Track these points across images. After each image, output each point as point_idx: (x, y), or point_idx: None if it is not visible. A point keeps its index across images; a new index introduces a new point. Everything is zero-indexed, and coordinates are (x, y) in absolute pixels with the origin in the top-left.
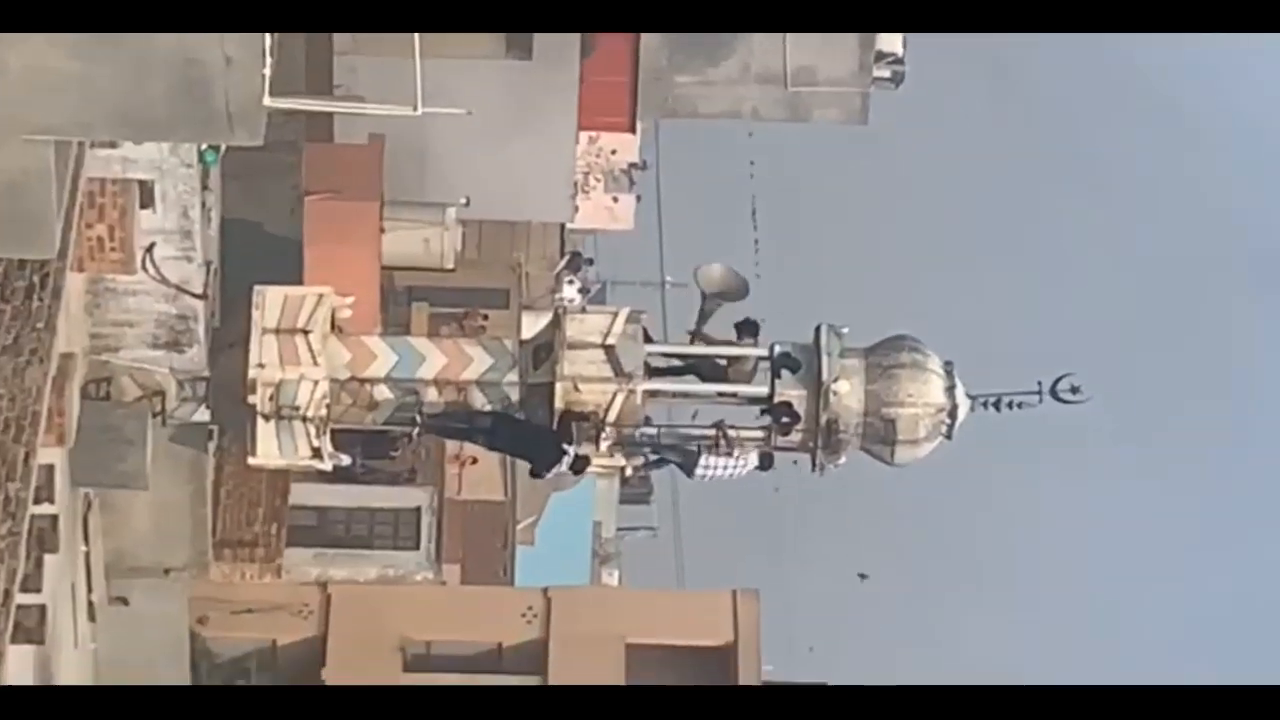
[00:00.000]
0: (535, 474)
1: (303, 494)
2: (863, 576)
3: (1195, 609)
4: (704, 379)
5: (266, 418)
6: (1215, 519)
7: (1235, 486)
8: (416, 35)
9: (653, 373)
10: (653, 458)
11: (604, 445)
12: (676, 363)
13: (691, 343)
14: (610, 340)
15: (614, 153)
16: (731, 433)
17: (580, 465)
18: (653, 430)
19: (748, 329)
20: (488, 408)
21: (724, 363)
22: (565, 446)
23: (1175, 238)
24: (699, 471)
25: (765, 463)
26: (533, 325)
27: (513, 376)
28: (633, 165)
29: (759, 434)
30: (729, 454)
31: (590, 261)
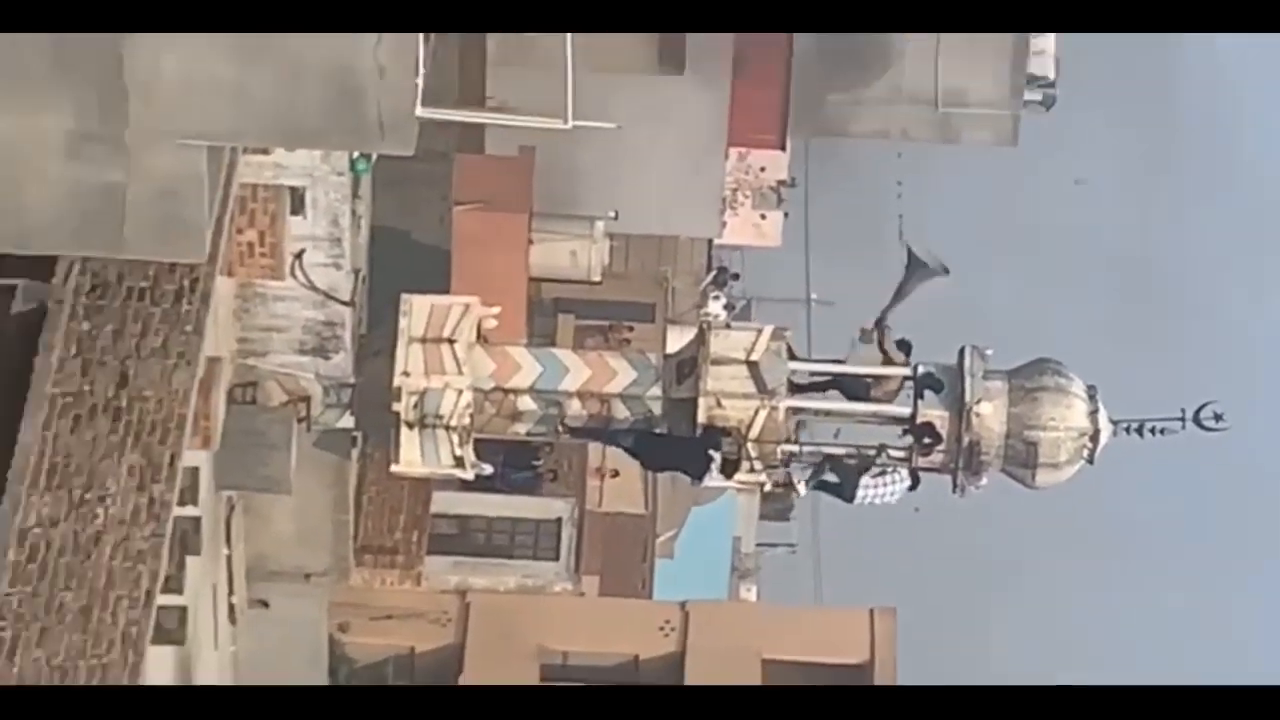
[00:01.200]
0: (694, 480)
1: (444, 502)
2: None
3: None
4: (849, 397)
5: (410, 425)
6: None
7: None
8: (569, 48)
9: (796, 390)
10: (810, 481)
11: (748, 463)
12: (819, 379)
13: (876, 328)
14: (754, 357)
15: (763, 170)
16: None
17: (730, 469)
18: (799, 448)
19: (904, 347)
20: (630, 422)
21: (869, 381)
22: (712, 452)
23: None
24: (859, 495)
25: (915, 481)
26: (677, 340)
27: (656, 391)
28: (781, 183)
29: (902, 454)
30: (888, 476)
31: (736, 277)
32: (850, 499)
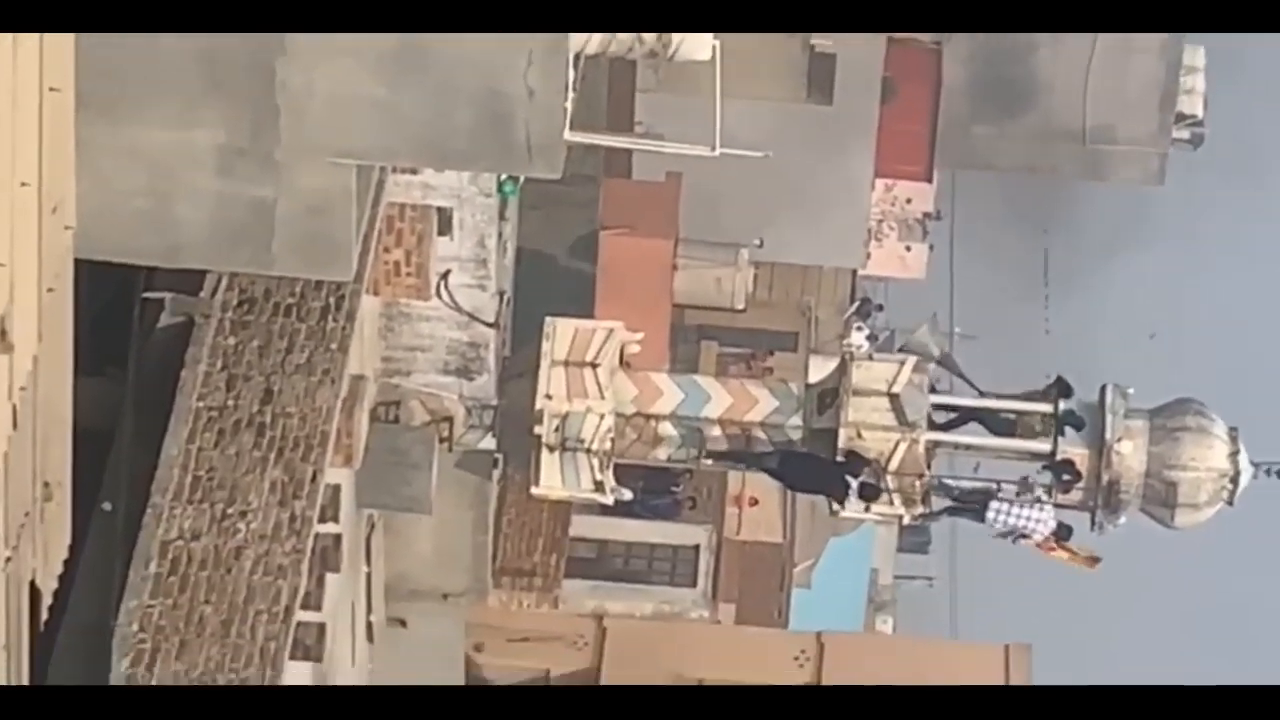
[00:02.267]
0: (833, 501)
1: (583, 526)
2: None
3: None
4: (991, 432)
5: (551, 449)
6: None
7: None
8: (718, 75)
9: (936, 425)
10: (948, 504)
11: (887, 495)
12: (960, 414)
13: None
14: (896, 389)
15: (909, 201)
16: (1028, 493)
17: (870, 493)
18: (937, 481)
19: (1060, 388)
20: (771, 448)
21: (1012, 417)
22: (850, 478)
23: None
24: (989, 514)
25: (1065, 533)
26: (819, 370)
27: (796, 420)
28: (927, 215)
29: (1043, 490)
30: (1029, 504)
31: (880, 308)
32: (981, 519)
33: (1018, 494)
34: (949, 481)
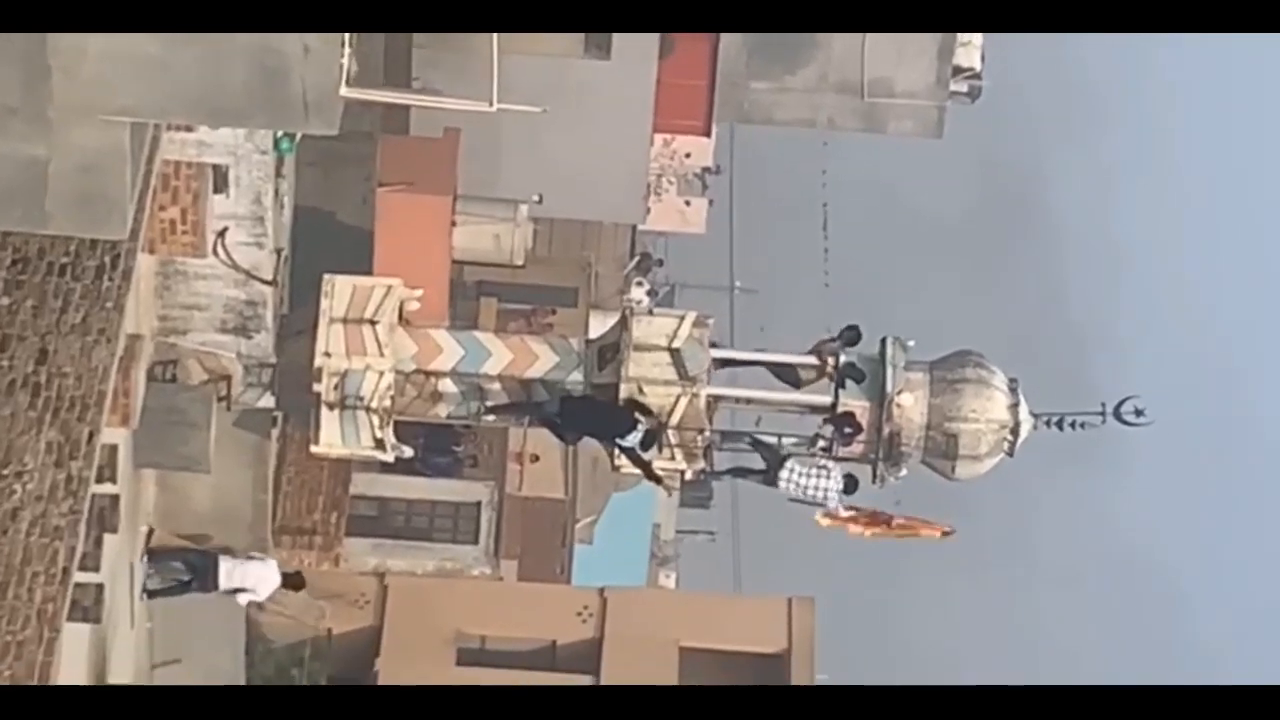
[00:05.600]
0: (616, 441)
1: (364, 484)
2: None
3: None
4: (783, 383)
5: (331, 407)
6: None
7: None
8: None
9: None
10: (734, 466)
11: (669, 450)
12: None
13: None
14: (676, 344)
15: (688, 156)
16: (815, 455)
17: (650, 440)
18: (718, 436)
19: (850, 335)
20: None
21: (800, 371)
22: (638, 418)
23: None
24: (782, 482)
25: (850, 486)
26: (600, 325)
27: (577, 376)
28: (706, 169)
29: (824, 444)
30: (817, 471)
31: (660, 263)
32: (773, 483)
33: (808, 450)
34: (739, 441)
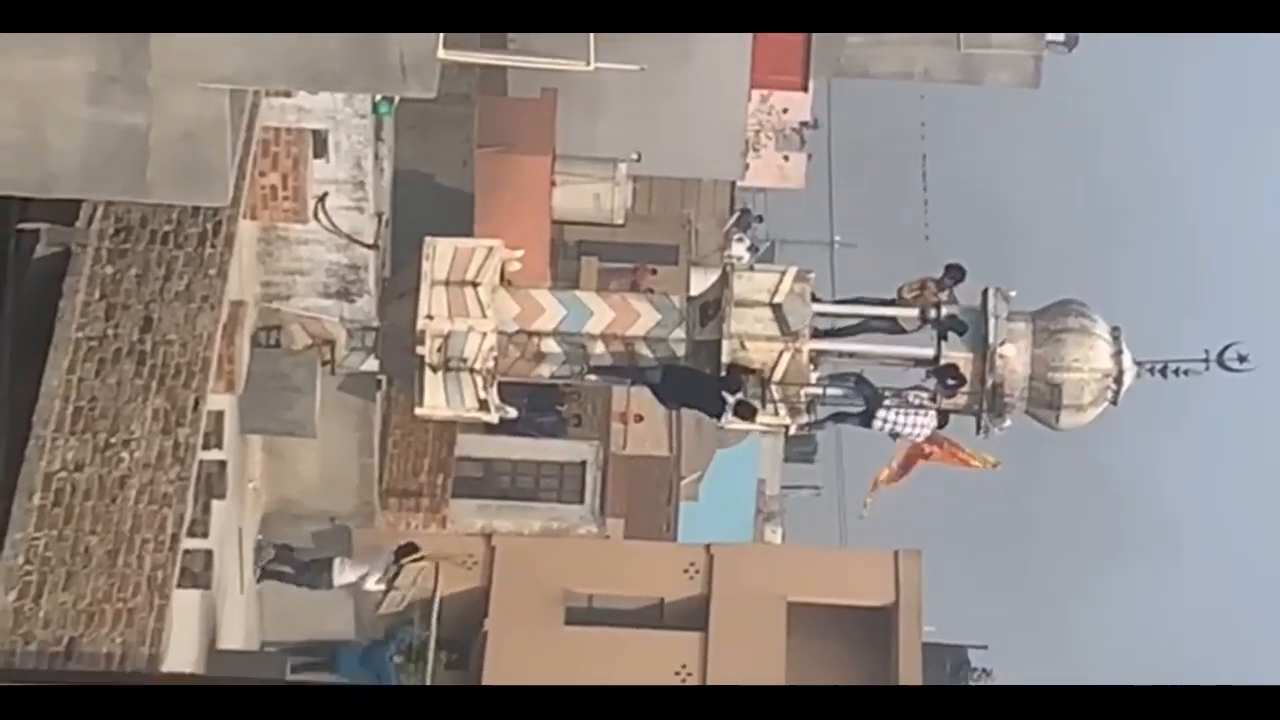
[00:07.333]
0: (714, 416)
1: (469, 445)
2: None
3: None
4: (885, 333)
5: (434, 369)
6: None
7: None
8: None
9: (820, 333)
10: (832, 411)
11: (772, 405)
12: (849, 322)
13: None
14: (778, 299)
15: (785, 111)
16: (915, 395)
17: (746, 411)
18: (823, 390)
19: (955, 273)
20: (654, 362)
21: (900, 323)
22: (726, 395)
23: None
24: (877, 422)
25: (943, 421)
26: (701, 282)
27: (679, 333)
28: (804, 124)
29: (928, 396)
30: (914, 410)
31: (760, 219)
32: (868, 423)
33: (901, 399)
34: (834, 390)
